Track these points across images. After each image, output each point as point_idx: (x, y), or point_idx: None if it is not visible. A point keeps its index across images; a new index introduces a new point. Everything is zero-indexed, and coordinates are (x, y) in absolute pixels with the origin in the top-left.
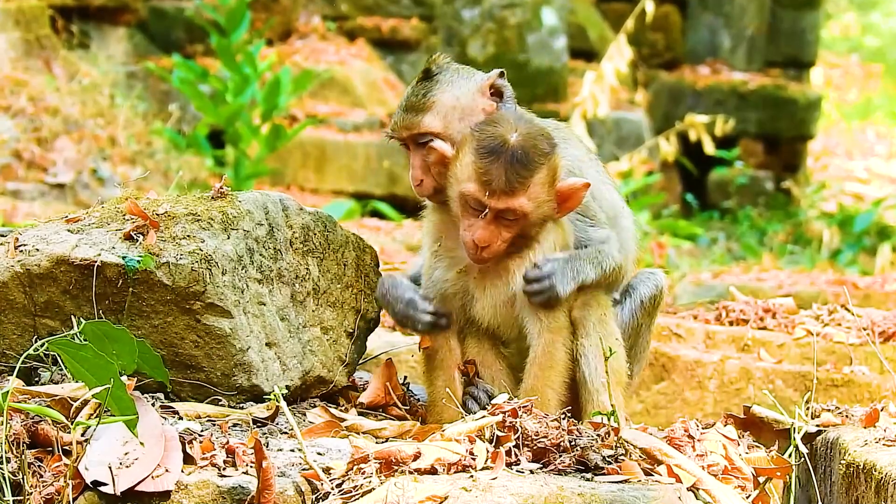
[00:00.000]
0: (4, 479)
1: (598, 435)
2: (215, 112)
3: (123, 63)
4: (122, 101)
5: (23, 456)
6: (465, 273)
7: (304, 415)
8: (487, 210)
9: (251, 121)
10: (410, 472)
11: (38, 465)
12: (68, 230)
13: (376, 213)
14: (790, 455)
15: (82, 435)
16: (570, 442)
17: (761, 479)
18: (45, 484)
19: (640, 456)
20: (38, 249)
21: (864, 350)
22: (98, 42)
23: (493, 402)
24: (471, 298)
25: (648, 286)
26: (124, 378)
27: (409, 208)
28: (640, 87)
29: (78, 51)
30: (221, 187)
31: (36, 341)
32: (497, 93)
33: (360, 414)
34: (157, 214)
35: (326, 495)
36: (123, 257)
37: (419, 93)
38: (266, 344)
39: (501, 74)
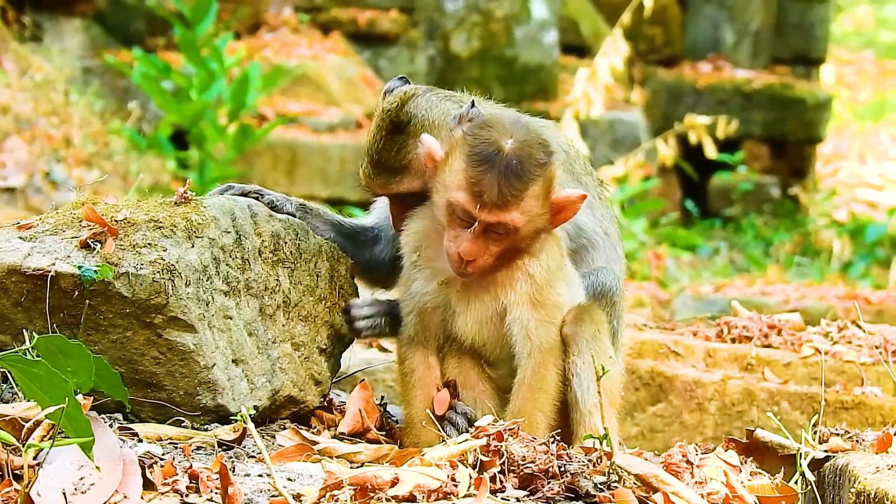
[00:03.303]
0: None
1: (589, 460)
2: (178, 110)
3: (79, 57)
4: (77, 99)
5: None
6: (447, 285)
7: (274, 437)
8: (477, 223)
9: (217, 120)
10: (387, 500)
11: None
12: (20, 238)
13: None
14: (796, 482)
15: (34, 458)
16: (559, 467)
17: None
18: None
19: (635, 483)
20: None
21: (877, 370)
22: (52, 34)
23: (477, 424)
24: (452, 313)
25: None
26: (80, 397)
27: None
28: (637, 85)
29: (30, 44)
30: (185, 192)
31: None
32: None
33: (334, 437)
34: (116, 221)
35: None
36: (79, 267)
37: (391, 149)
38: (233, 361)
39: (472, 105)
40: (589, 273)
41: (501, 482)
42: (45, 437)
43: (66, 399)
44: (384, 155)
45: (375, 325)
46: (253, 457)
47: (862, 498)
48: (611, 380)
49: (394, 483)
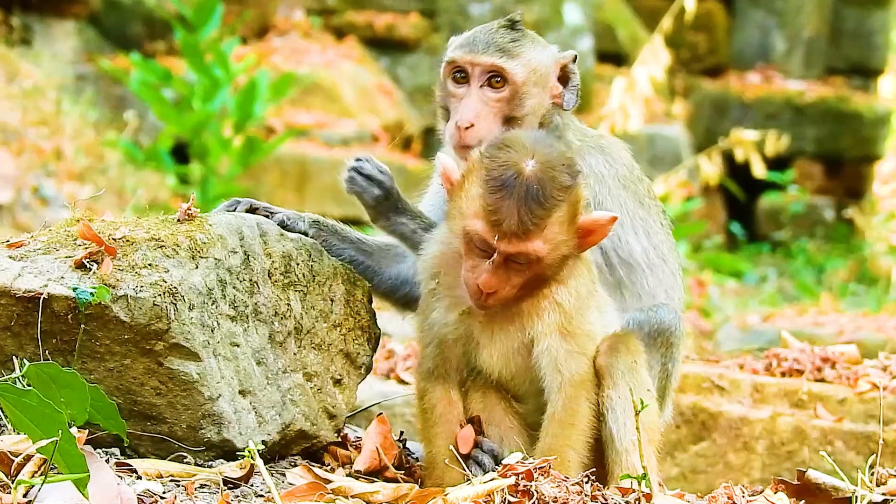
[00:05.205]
0: None
1: (626, 502)
2: (179, 121)
3: (72, 62)
4: (69, 108)
5: None
6: (469, 315)
7: (284, 475)
8: (496, 254)
9: (221, 132)
10: None
11: None
12: (10, 257)
13: None
14: None
15: (24, 496)
16: None
17: None
18: None
19: None
20: None
21: None
22: (42, 38)
23: (505, 461)
24: (476, 345)
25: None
26: (74, 430)
27: None
28: (679, 97)
29: (19, 48)
30: (189, 208)
31: None
32: (564, 77)
33: (348, 475)
34: (114, 239)
35: None
36: (74, 289)
37: (506, 36)
38: (239, 392)
39: (575, 59)
40: (647, 309)
41: None
42: (36, 473)
43: (60, 432)
44: (496, 38)
45: (371, 191)
46: (261, 496)
47: None
48: (649, 415)
49: None
